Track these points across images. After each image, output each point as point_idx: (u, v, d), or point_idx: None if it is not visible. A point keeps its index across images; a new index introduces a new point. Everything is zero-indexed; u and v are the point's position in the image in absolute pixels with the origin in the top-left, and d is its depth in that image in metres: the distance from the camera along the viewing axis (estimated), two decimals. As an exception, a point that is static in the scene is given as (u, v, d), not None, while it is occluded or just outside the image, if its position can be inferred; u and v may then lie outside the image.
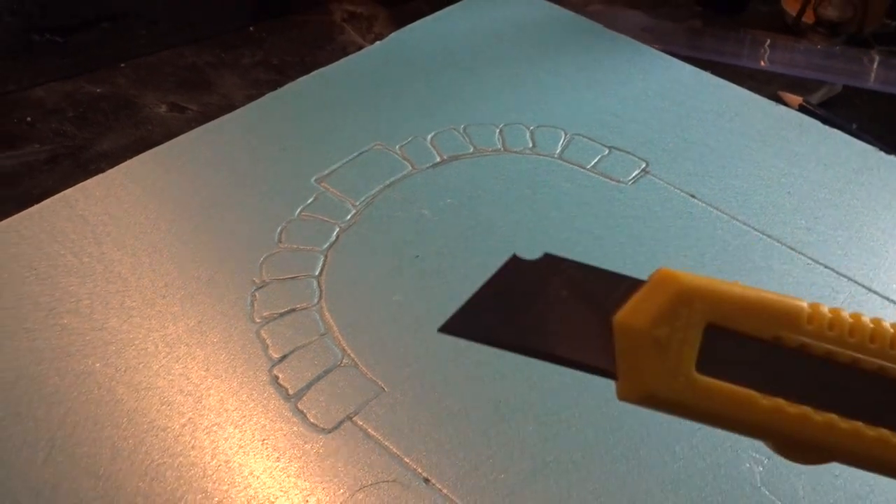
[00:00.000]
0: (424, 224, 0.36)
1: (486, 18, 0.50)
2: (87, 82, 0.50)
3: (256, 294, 0.32)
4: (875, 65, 0.52)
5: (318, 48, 0.55)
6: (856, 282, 0.34)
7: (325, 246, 0.34)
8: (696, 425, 0.28)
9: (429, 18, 0.50)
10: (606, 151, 0.41)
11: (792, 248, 0.36)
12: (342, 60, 0.46)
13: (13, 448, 0.26)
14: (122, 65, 0.52)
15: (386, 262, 0.34)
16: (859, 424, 0.16)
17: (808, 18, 0.59)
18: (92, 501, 0.25)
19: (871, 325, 0.16)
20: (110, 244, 0.33)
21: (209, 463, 0.26)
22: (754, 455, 0.28)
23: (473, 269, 0.34)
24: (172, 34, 0.54)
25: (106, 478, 0.25)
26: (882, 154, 0.42)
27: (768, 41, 0.56)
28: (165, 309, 0.31)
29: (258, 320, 0.31)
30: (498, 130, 0.41)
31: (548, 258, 0.19)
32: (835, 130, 0.44)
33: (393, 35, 0.48)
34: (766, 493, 0.27)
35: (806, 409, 0.16)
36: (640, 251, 0.35)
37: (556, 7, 0.52)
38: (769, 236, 0.36)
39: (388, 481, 0.26)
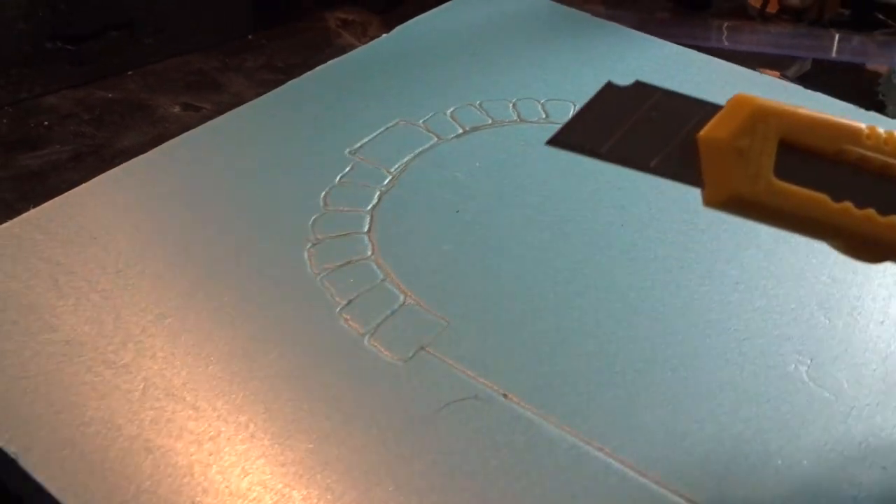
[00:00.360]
0: (459, 184, 0.38)
1: (485, 12, 0.53)
2: (98, 89, 0.51)
3: (312, 251, 0.33)
4: (836, 41, 0.57)
5: (319, 51, 0.57)
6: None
7: (369, 207, 0.36)
8: (741, 335, 0.31)
9: (430, 13, 0.53)
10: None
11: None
12: (353, 52, 0.48)
13: (109, 388, 0.27)
14: (130, 73, 0.53)
15: (430, 218, 0.36)
16: None
17: (772, 8, 0.64)
18: (194, 430, 0.26)
19: None
20: (164, 213, 0.34)
21: (301, 395, 0.27)
22: (798, 357, 0.30)
23: (513, 221, 0.36)
24: (177, 42, 0.55)
25: (204, 409, 0.26)
26: (861, 110, 0.46)
27: (726, 24, 0.60)
28: (228, 268, 0.32)
29: (318, 272, 0.32)
30: (511, 105, 0.44)
31: (638, 85, 0.21)
32: (816, 93, 0.47)
33: (398, 28, 0.51)
34: (813, 385, 0.29)
35: (870, 212, 0.19)
36: (659, 186, 0.38)
37: (548, 2, 0.56)
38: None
39: (469, 398, 0.28)
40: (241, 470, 0.25)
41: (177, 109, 0.50)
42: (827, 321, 0.32)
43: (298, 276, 0.32)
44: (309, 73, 0.46)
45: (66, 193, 0.35)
